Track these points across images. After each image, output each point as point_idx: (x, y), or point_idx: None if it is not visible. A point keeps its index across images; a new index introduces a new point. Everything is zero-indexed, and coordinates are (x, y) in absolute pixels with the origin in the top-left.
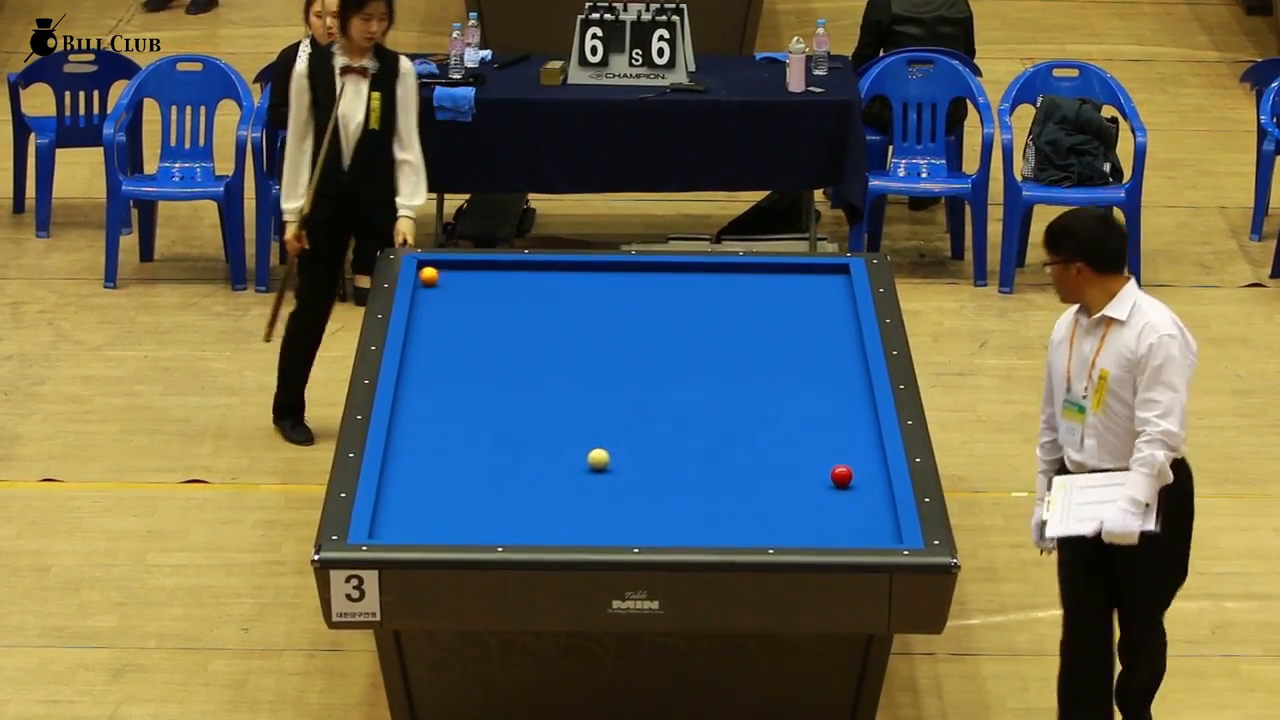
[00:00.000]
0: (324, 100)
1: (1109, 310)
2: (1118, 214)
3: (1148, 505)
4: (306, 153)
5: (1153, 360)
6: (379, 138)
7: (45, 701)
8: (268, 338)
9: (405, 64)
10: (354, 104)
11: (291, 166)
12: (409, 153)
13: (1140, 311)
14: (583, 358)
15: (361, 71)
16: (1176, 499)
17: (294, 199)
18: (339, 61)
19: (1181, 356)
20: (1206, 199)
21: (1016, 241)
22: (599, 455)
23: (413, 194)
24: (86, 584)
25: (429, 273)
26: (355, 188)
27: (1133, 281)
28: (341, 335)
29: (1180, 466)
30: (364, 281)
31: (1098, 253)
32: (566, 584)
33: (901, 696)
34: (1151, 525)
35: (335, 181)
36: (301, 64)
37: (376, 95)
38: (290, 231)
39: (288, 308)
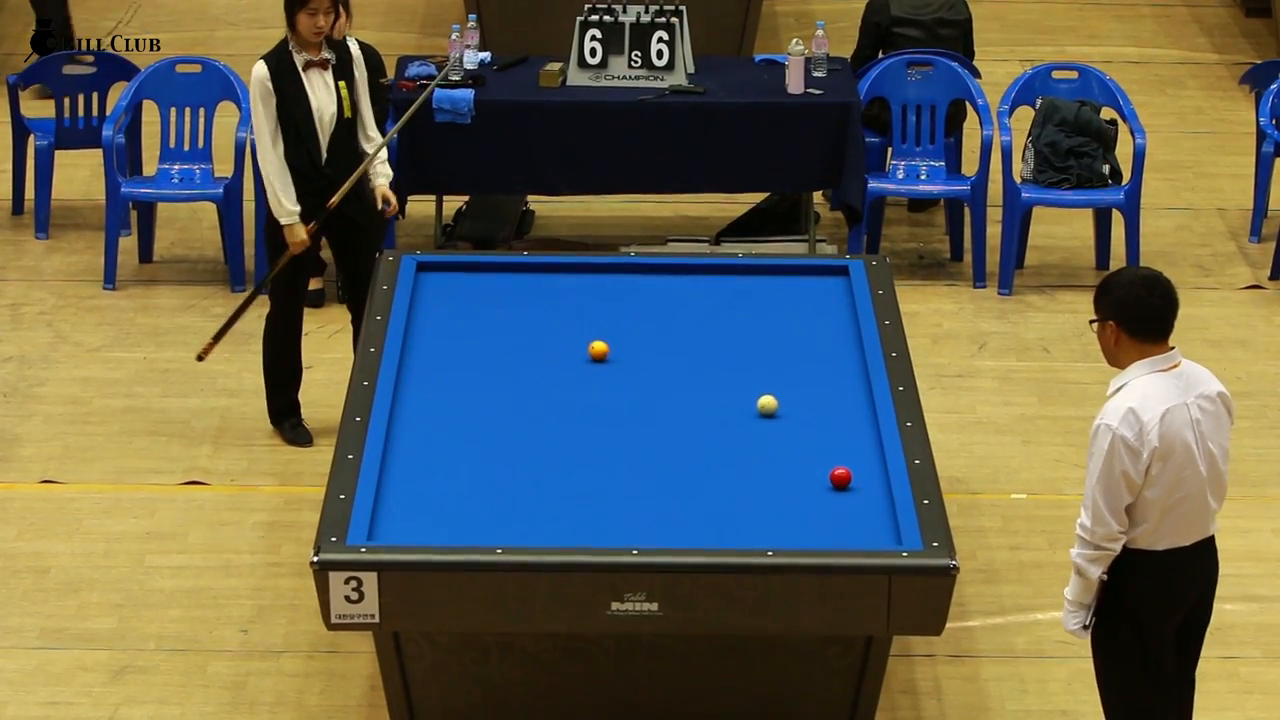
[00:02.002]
0: (293, 101)
1: (1112, 381)
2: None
3: (1083, 604)
4: (282, 155)
5: (1090, 446)
6: (351, 125)
7: (44, 703)
8: (203, 356)
9: (354, 48)
10: (325, 97)
11: (277, 171)
12: (374, 133)
13: (1122, 392)
14: (582, 359)
15: (323, 64)
16: (1111, 600)
17: (292, 201)
18: (300, 60)
19: (1111, 452)
20: (1205, 201)
21: (1015, 243)
22: (768, 402)
23: (383, 161)
24: (85, 586)
25: (599, 347)
26: (333, 180)
27: (1167, 356)
28: (340, 336)
29: (1132, 561)
30: (314, 283)
31: (1131, 313)
32: (565, 585)
33: (901, 698)
34: (1083, 622)
35: (314, 177)
36: (261, 70)
37: (343, 84)
38: (299, 234)
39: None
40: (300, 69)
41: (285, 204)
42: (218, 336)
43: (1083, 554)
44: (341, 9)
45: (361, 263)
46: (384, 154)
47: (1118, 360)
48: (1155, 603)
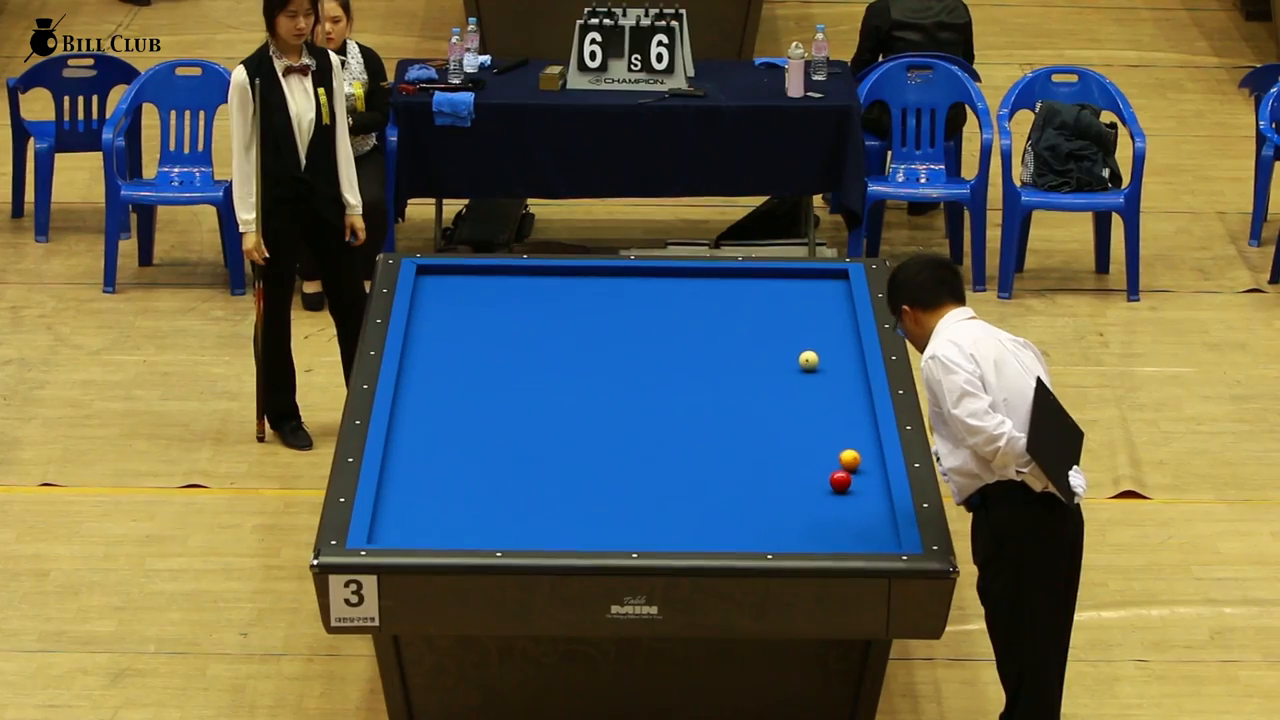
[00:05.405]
0: (271, 105)
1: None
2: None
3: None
4: (254, 161)
5: (929, 388)
6: (329, 132)
7: (44, 706)
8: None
9: (334, 57)
10: (304, 103)
11: (242, 179)
12: (343, 143)
13: (932, 341)
14: (581, 363)
15: (303, 70)
16: (996, 546)
17: (250, 209)
18: (280, 65)
19: (948, 372)
20: (1205, 204)
21: (1015, 247)
22: (810, 357)
23: (352, 190)
24: (85, 589)
25: (851, 456)
26: (312, 186)
27: (959, 310)
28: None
29: (1002, 495)
30: (312, 286)
31: (916, 289)
32: (565, 588)
33: (900, 702)
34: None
35: (292, 183)
36: (241, 75)
37: (322, 90)
38: (250, 241)
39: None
40: (280, 74)
41: (241, 212)
42: (261, 406)
43: (984, 450)
44: (342, 11)
45: (344, 267)
46: (353, 179)
47: (926, 339)
48: (1035, 539)
